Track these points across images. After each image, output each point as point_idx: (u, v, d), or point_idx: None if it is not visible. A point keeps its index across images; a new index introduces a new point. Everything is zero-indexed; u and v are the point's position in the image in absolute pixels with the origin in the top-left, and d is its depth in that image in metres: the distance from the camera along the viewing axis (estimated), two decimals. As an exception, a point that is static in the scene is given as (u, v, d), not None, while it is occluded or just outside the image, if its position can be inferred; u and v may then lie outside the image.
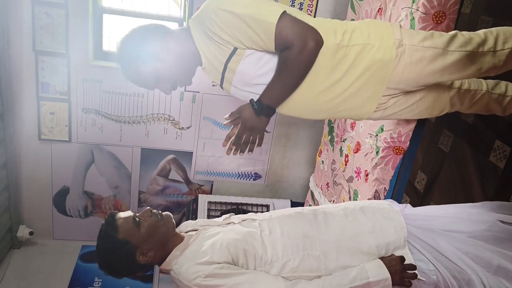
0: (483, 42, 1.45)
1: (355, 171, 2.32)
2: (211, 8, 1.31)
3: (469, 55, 1.43)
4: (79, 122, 3.06)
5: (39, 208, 3.25)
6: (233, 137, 1.42)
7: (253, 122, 1.37)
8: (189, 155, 3.30)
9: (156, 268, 1.80)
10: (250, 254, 1.29)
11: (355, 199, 2.32)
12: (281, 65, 1.32)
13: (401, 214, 1.45)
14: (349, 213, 1.43)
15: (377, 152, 2.07)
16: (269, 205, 3.23)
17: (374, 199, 2.11)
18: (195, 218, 2.90)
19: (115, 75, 2.88)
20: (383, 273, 1.28)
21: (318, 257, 1.31)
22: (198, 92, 3.11)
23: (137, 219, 1.36)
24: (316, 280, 1.28)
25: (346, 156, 2.48)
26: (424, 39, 1.42)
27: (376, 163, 2.07)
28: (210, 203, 3.15)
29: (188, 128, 3.21)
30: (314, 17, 2.74)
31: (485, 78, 1.73)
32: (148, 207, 1.41)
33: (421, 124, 1.92)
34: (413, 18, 1.81)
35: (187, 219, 2.75)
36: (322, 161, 2.92)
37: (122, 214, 1.37)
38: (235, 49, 1.33)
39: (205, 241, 1.33)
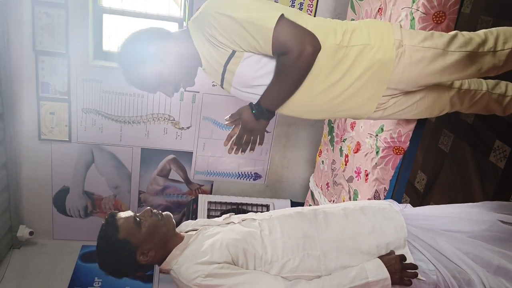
0: (483, 42, 1.45)
1: (355, 171, 2.32)
2: (209, 12, 1.31)
3: (469, 55, 1.43)
4: (79, 122, 3.06)
5: (39, 208, 3.25)
6: (234, 137, 1.43)
7: (252, 125, 1.38)
8: (189, 155, 3.30)
9: (156, 268, 1.80)
10: (250, 254, 1.29)
11: (355, 199, 2.32)
12: (279, 70, 1.33)
13: (401, 214, 1.45)
14: (349, 213, 1.43)
15: (377, 152, 2.07)
16: (269, 205, 3.23)
17: (374, 199, 2.11)
18: (195, 218, 2.90)
19: (115, 75, 2.88)
20: (382, 273, 1.28)
21: (318, 257, 1.31)
22: (198, 92, 3.11)
23: (137, 219, 1.36)
24: (315, 280, 1.29)
25: (346, 156, 2.48)
26: (424, 40, 1.42)
27: (376, 163, 2.07)
28: (210, 203, 3.15)
29: (188, 128, 3.21)
30: (314, 17, 2.74)
31: (485, 78, 1.73)
32: (149, 207, 1.42)
33: (421, 124, 1.92)
34: (413, 18, 1.81)
35: (187, 219, 2.75)
36: (322, 161, 2.93)
37: (122, 214, 1.37)
38: (234, 51, 1.33)
39: (205, 241, 1.33)
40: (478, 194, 2.16)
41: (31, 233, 3.20)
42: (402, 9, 1.91)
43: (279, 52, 1.30)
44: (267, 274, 1.28)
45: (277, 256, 1.30)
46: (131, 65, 1.40)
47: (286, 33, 1.27)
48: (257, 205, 3.23)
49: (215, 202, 3.17)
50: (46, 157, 3.12)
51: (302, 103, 1.43)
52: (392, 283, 1.28)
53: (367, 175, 2.17)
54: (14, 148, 3.00)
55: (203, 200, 3.15)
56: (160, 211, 1.41)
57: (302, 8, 2.95)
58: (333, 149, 2.75)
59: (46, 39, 2.80)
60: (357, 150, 2.32)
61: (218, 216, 1.55)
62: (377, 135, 2.09)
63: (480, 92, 1.73)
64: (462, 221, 1.47)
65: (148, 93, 3.01)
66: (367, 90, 1.43)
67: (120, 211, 1.41)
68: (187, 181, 3.38)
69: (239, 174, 3.42)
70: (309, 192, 3.12)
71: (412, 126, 1.92)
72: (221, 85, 1.46)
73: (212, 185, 3.44)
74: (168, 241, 1.37)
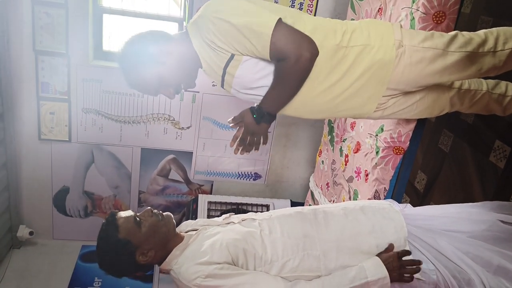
0: (483, 42, 1.45)
1: (355, 171, 2.32)
2: (208, 17, 1.32)
3: (469, 55, 1.43)
4: (79, 122, 3.06)
5: (39, 208, 3.25)
6: (239, 139, 1.45)
7: (254, 128, 1.41)
8: (189, 155, 3.30)
9: (156, 268, 1.80)
10: (250, 254, 1.29)
11: (355, 199, 2.32)
12: (278, 76, 1.34)
13: (401, 213, 1.45)
14: (349, 212, 1.43)
15: (377, 152, 2.07)
16: (269, 205, 3.23)
17: (374, 199, 2.11)
18: (195, 218, 2.90)
19: (115, 75, 2.87)
20: (381, 272, 1.28)
21: (318, 256, 1.32)
22: (198, 92, 3.11)
23: (137, 218, 1.36)
24: (315, 280, 1.29)
25: (346, 156, 2.48)
26: (424, 40, 1.42)
27: (376, 163, 2.07)
28: (210, 203, 3.15)
29: (188, 128, 3.21)
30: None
31: (485, 78, 1.73)
32: (149, 207, 1.42)
33: (421, 124, 1.92)
34: (413, 18, 1.81)
35: (187, 219, 2.75)
36: (322, 161, 2.93)
37: (123, 214, 1.37)
38: (233, 55, 1.34)
39: (205, 241, 1.33)
40: (478, 194, 2.16)
41: (31, 233, 3.20)
42: (402, 9, 1.91)
43: (276, 58, 1.31)
44: (267, 275, 1.28)
45: (277, 256, 1.30)
46: (132, 67, 1.41)
47: (283, 39, 1.28)
48: (257, 205, 3.23)
49: (215, 202, 3.17)
50: (46, 157, 3.12)
51: (302, 103, 1.43)
52: (392, 281, 1.29)
53: (367, 175, 2.17)
54: (14, 148, 3.00)
55: (203, 200, 3.15)
56: (160, 212, 1.41)
57: (302, 8, 2.95)
58: (333, 149, 2.75)
59: (46, 39, 2.80)
60: (357, 150, 2.32)
61: (218, 216, 1.55)
62: (377, 135, 2.09)
63: (480, 92, 1.73)
64: (462, 221, 1.47)
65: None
66: (367, 90, 1.43)
67: (120, 211, 1.41)
68: (187, 181, 3.38)
69: (239, 174, 3.42)
70: (309, 192, 3.12)
71: (412, 126, 1.92)
72: (222, 86, 1.47)
73: (212, 185, 3.44)
74: (168, 241, 1.37)
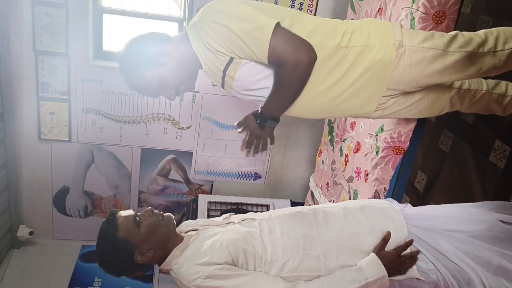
0: (483, 42, 1.45)
1: (355, 171, 2.32)
2: (206, 21, 1.32)
3: (469, 55, 1.43)
4: (79, 122, 3.06)
5: (39, 208, 3.25)
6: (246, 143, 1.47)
7: (258, 132, 1.42)
8: (189, 155, 3.30)
9: (156, 268, 1.80)
10: (250, 254, 1.29)
11: (355, 199, 2.32)
12: (277, 81, 1.35)
13: (401, 213, 1.45)
14: (349, 212, 1.43)
15: (377, 152, 2.07)
16: (269, 205, 3.23)
17: (374, 199, 2.11)
18: (195, 218, 2.90)
19: (115, 75, 2.87)
20: (380, 271, 1.28)
21: (318, 256, 1.31)
22: (198, 92, 3.11)
23: (137, 218, 1.36)
24: (315, 280, 1.28)
25: (346, 156, 2.48)
26: (424, 40, 1.42)
27: (376, 163, 2.07)
28: (210, 203, 3.15)
29: (188, 128, 3.21)
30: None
31: (485, 78, 1.73)
32: (150, 207, 1.41)
33: (421, 124, 1.92)
34: (413, 18, 1.81)
35: (187, 219, 2.75)
36: (322, 161, 2.93)
37: (123, 213, 1.37)
38: (232, 58, 1.34)
39: (205, 241, 1.33)
40: (478, 194, 2.16)
41: (31, 233, 3.20)
42: (402, 9, 1.91)
43: (275, 64, 1.32)
44: (267, 275, 1.28)
45: (277, 256, 1.30)
46: (133, 69, 1.41)
47: (281, 45, 1.28)
48: (257, 205, 3.23)
49: (215, 202, 3.17)
50: (46, 157, 3.12)
51: (302, 103, 1.44)
52: (390, 275, 1.29)
53: (367, 175, 2.17)
54: (14, 148, 3.00)
55: (203, 200, 3.15)
56: (161, 212, 1.41)
57: (302, 8, 2.95)
58: (333, 149, 2.75)
59: (46, 39, 2.80)
60: (357, 150, 2.32)
61: (218, 216, 1.55)
62: (377, 135, 2.09)
63: (480, 92, 1.73)
64: (462, 221, 1.47)
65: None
66: (367, 91, 1.43)
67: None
68: (187, 181, 3.38)
69: (239, 174, 3.42)
70: (309, 192, 3.12)
71: (412, 126, 1.92)
72: (222, 87, 1.47)
73: (212, 185, 3.44)
74: (168, 242, 1.37)
